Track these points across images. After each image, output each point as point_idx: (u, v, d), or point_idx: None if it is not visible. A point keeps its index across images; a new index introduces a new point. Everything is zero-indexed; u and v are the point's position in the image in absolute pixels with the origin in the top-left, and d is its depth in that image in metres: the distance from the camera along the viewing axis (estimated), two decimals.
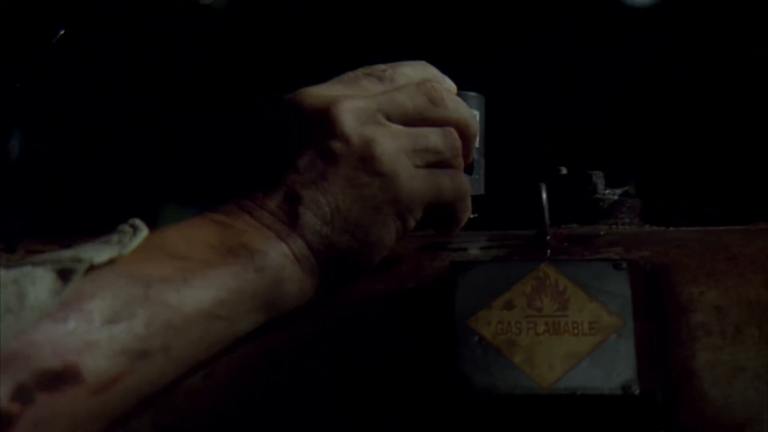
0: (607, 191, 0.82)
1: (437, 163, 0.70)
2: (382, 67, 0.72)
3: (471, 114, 0.73)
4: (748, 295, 0.69)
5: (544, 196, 0.75)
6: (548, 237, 0.75)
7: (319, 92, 0.70)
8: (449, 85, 0.73)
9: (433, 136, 0.70)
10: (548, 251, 0.74)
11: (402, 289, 0.73)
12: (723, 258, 0.72)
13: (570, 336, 0.67)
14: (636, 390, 0.66)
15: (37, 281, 0.61)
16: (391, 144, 0.68)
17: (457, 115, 0.72)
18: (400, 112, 0.70)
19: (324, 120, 0.68)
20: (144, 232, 0.64)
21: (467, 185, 0.71)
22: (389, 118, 0.69)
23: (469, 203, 0.72)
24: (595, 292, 0.69)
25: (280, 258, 0.66)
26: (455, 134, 0.71)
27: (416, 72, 0.73)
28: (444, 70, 0.75)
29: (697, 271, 0.71)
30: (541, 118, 0.94)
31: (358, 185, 0.68)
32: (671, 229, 0.77)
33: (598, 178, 0.82)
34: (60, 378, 0.60)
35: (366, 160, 0.68)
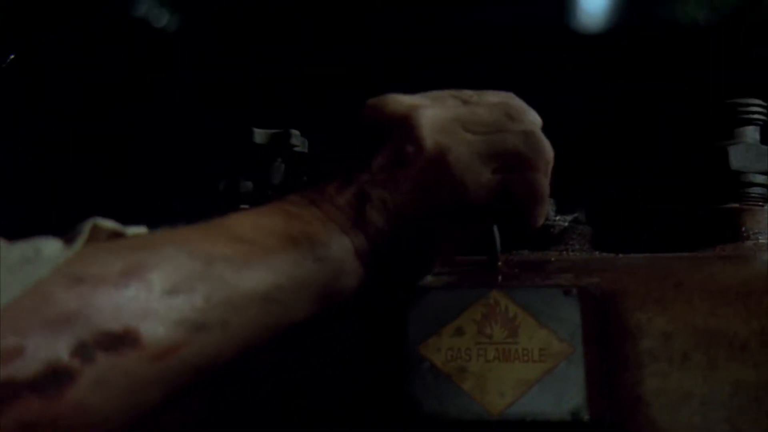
0: (557, 218, 0.83)
1: (517, 165, 0.71)
2: (469, 92, 0.74)
3: (546, 141, 0.73)
4: (695, 322, 0.70)
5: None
6: (499, 263, 0.75)
7: (402, 99, 0.72)
8: (533, 117, 0.74)
9: (511, 139, 0.71)
10: (499, 277, 0.74)
11: (355, 314, 0.73)
12: (671, 284, 0.73)
13: (520, 363, 0.68)
14: (585, 416, 0.66)
15: (49, 242, 0.63)
16: (465, 151, 0.70)
17: (536, 129, 0.72)
18: (478, 123, 0.71)
19: (402, 124, 0.70)
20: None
21: (545, 189, 0.71)
22: (466, 129, 0.71)
23: (543, 208, 0.71)
24: (546, 319, 0.69)
25: (341, 251, 0.68)
26: (539, 136, 0.71)
27: (498, 97, 0.74)
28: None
29: (645, 297, 0.72)
30: None
31: (427, 190, 0.69)
32: (620, 255, 0.78)
33: (549, 204, 0.83)
34: (120, 340, 0.61)
35: (438, 166, 0.69)
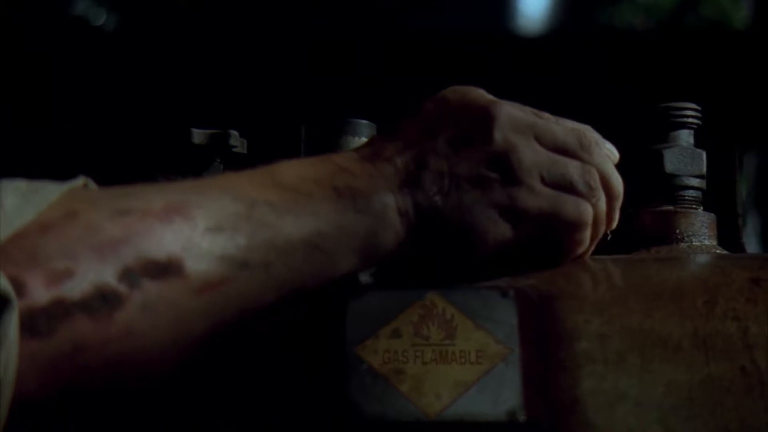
0: None
1: (569, 191, 0.73)
2: (550, 115, 0.76)
3: (617, 176, 0.75)
4: (631, 324, 0.71)
5: None
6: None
7: (485, 93, 0.75)
8: (609, 148, 0.77)
9: (572, 167, 0.73)
10: (437, 279, 0.75)
11: (292, 316, 0.73)
12: (607, 286, 0.73)
13: (457, 365, 0.68)
14: (521, 417, 0.67)
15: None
16: (530, 157, 0.72)
17: (602, 168, 0.74)
18: (550, 139, 0.73)
19: (481, 112, 0.73)
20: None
21: (589, 216, 0.73)
22: (537, 139, 0.73)
23: (585, 238, 0.74)
24: (483, 321, 0.69)
25: (382, 206, 0.70)
26: (596, 175, 0.74)
27: (578, 126, 0.76)
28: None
29: (581, 299, 0.72)
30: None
31: (484, 179, 0.72)
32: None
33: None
34: (164, 270, 0.63)
35: (501, 162, 0.72)
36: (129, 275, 0.63)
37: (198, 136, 0.86)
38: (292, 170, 0.70)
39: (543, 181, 0.73)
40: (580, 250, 0.75)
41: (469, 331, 0.69)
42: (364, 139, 0.82)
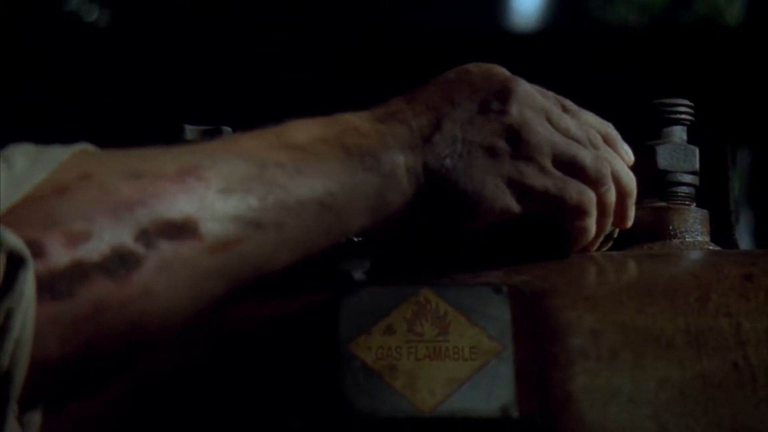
0: None
1: (577, 176, 0.74)
2: (573, 104, 0.77)
3: (628, 173, 0.77)
4: (624, 320, 0.71)
5: None
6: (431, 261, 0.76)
7: (507, 71, 0.76)
8: (625, 150, 0.78)
9: (583, 152, 0.75)
10: (431, 275, 0.75)
11: (285, 312, 0.73)
12: (600, 283, 0.74)
13: (451, 361, 0.68)
14: (514, 413, 0.67)
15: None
16: (543, 135, 0.74)
17: (612, 163, 0.76)
18: (563, 126, 0.75)
19: (500, 85, 0.74)
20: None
21: (592, 204, 0.74)
22: (550, 121, 0.74)
23: (587, 226, 0.75)
24: (476, 317, 0.69)
25: (391, 165, 0.71)
26: (607, 164, 0.75)
27: (596, 121, 0.78)
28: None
29: (575, 295, 0.72)
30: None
31: (496, 149, 0.73)
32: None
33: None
34: (179, 230, 0.64)
35: (515, 135, 0.73)
36: (145, 236, 0.63)
37: (190, 132, 0.86)
38: (301, 130, 0.71)
39: (554, 161, 0.74)
40: (584, 239, 0.76)
41: (463, 328, 0.69)
42: None
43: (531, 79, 0.78)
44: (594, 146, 0.76)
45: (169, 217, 0.64)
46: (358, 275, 0.76)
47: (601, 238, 0.77)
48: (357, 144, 0.71)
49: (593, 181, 0.75)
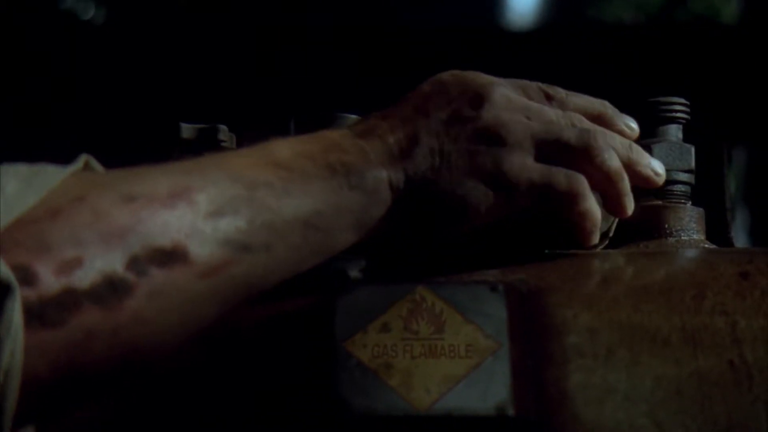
0: None
1: (563, 157, 0.74)
2: (561, 90, 0.78)
3: (627, 145, 0.77)
4: (620, 318, 0.71)
5: None
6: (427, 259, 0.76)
7: (485, 76, 0.76)
8: (626, 123, 0.79)
9: (567, 132, 0.74)
10: (427, 273, 0.75)
11: (281, 311, 0.73)
12: (596, 281, 0.74)
13: (446, 359, 0.68)
14: (510, 411, 0.67)
15: (48, 165, 0.67)
16: (521, 130, 0.74)
17: (599, 135, 0.75)
18: (545, 120, 0.75)
19: (474, 91, 0.75)
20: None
21: (583, 185, 0.74)
22: (529, 118, 0.75)
23: (587, 209, 0.75)
24: (472, 315, 0.69)
25: (375, 182, 0.72)
26: (596, 135, 0.75)
27: (589, 103, 0.78)
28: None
29: (571, 293, 0.72)
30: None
31: (475, 154, 0.73)
32: (547, 251, 0.78)
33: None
34: (170, 256, 0.65)
35: (491, 137, 0.74)
36: (136, 263, 0.64)
37: (187, 130, 0.86)
38: (287, 148, 0.72)
39: (538, 153, 0.74)
40: (589, 223, 0.75)
41: (459, 326, 0.69)
42: None
43: (527, 78, 0.78)
44: (581, 122, 0.76)
45: (160, 244, 0.65)
46: (354, 274, 0.76)
47: (629, 207, 0.76)
48: (341, 161, 0.71)
49: (583, 156, 0.74)
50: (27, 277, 0.61)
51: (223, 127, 0.87)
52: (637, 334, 0.70)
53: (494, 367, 0.68)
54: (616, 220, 0.79)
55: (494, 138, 0.73)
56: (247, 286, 0.68)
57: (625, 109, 0.81)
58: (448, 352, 0.68)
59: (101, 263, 0.63)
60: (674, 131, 0.84)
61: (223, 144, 0.86)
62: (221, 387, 0.71)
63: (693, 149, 0.84)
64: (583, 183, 0.74)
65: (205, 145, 0.86)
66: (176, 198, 0.66)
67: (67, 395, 0.64)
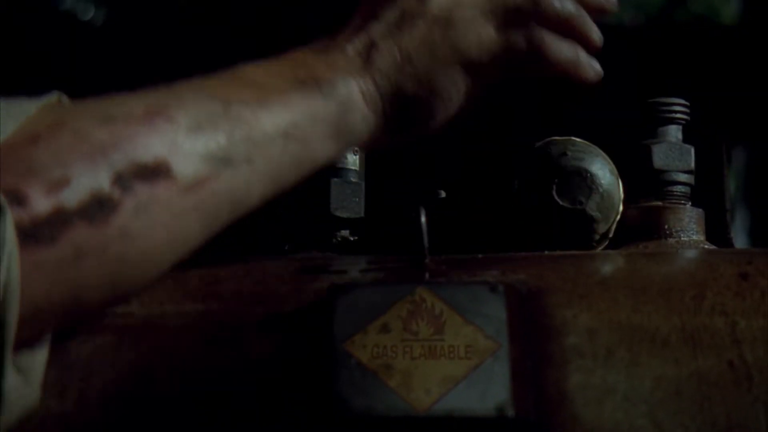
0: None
1: (517, 21, 0.77)
2: None
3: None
4: (619, 318, 0.71)
5: (423, 219, 0.76)
6: (426, 260, 0.76)
7: None
8: None
9: None
10: (426, 274, 0.75)
11: (280, 312, 0.73)
12: (595, 281, 0.74)
13: (446, 360, 0.68)
14: (510, 412, 0.67)
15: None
16: (469, 11, 0.77)
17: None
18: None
19: None
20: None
21: (545, 38, 0.78)
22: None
23: (559, 54, 0.79)
24: (472, 316, 0.69)
25: (346, 90, 0.74)
26: None
27: None
28: None
29: (570, 294, 0.72)
30: (422, 141, 0.96)
31: (432, 42, 0.76)
32: (546, 252, 0.79)
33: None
34: (153, 172, 0.66)
35: (442, 24, 0.76)
36: (121, 180, 0.65)
37: None
38: (256, 68, 0.74)
39: (496, 23, 0.77)
40: (570, 65, 0.79)
41: (458, 326, 0.69)
42: None
43: (523, 78, 0.78)
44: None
45: (143, 160, 0.66)
46: (354, 274, 0.76)
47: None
48: (310, 75, 0.74)
49: (535, 13, 0.77)
50: (17, 199, 0.62)
51: None
52: (637, 334, 0.70)
53: (494, 367, 0.68)
54: (617, 220, 0.80)
55: (445, 24, 0.76)
56: (230, 201, 0.69)
57: (625, 109, 0.81)
58: (447, 352, 0.68)
59: (87, 181, 0.64)
60: (674, 132, 0.84)
61: None
62: (221, 385, 0.71)
63: (692, 150, 0.84)
64: (542, 35, 0.78)
65: None
66: (155, 116, 0.67)
67: (60, 315, 0.65)
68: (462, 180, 0.97)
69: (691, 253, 0.80)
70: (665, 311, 0.71)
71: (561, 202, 0.79)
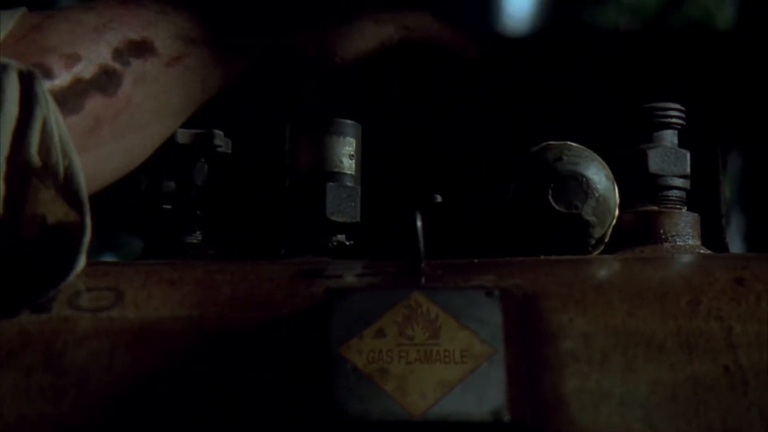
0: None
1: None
2: None
3: None
4: (615, 323, 0.71)
5: (419, 223, 0.76)
6: (422, 265, 0.76)
7: None
8: None
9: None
10: (422, 279, 0.75)
11: (276, 317, 0.73)
12: (591, 286, 0.74)
13: (442, 364, 0.68)
14: (506, 417, 0.67)
15: None
16: None
17: None
18: None
19: None
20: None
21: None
22: None
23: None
24: (467, 320, 0.69)
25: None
26: None
27: None
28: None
29: (566, 298, 0.72)
30: (416, 146, 0.96)
31: None
32: (542, 257, 0.79)
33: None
34: (142, 47, 0.76)
35: None
36: (119, 54, 0.74)
37: (182, 135, 0.86)
38: None
39: None
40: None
41: (454, 331, 0.69)
42: (349, 139, 0.82)
43: (521, 83, 0.78)
44: None
45: (132, 37, 0.75)
46: (350, 279, 0.76)
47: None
48: None
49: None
50: (44, 72, 0.70)
51: (218, 132, 0.87)
52: (632, 339, 0.70)
53: (489, 372, 0.68)
54: (612, 225, 0.80)
55: None
56: (201, 78, 0.79)
57: (620, 114, 0.81)
58: (443, 357, 0.68)
59: (95, 56, 0.73)
60: (669, 137, 0.84)
61: (219, 149, 0.86)
62: (216, 389, 0.71)
63: (688, 155, 0.84)
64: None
65: (201, 150, 0.86)
66: (127, 1, 0.76)
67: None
68: (458, 184, 0.97)
69: (686, 258, 0.80)
70: (661, 316, 0.71)
71: (557, 207, 0.79)
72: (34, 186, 0.67)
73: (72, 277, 0.68)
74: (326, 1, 0.86)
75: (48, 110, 0.67)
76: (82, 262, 0.68)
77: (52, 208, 0.67)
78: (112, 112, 0.74)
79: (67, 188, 0.67)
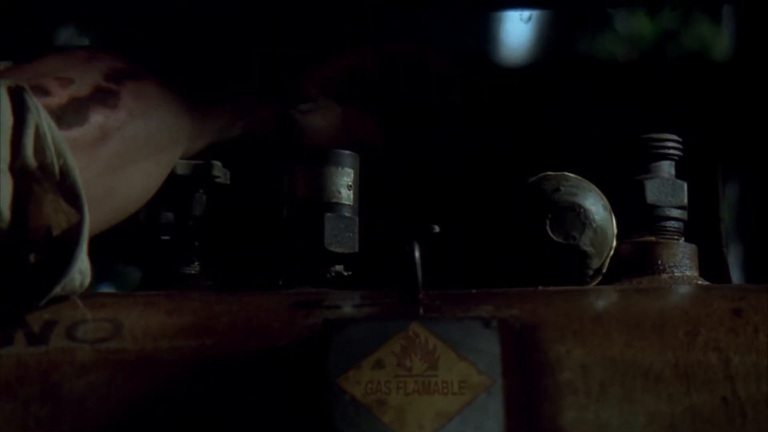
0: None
1: None
2: None
3: None
4: (613, 354, 0.71)
5: (416, 254, 0.76)
6: (420, 295, 0.76)
7: None
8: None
9: None
10: (420, 310, 0.75)
11: (274, 347, 0.73)
12: (589, 317, 0.74)
13: (440, 395, 0.68)
14: None
15: None
16: None
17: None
18: None
19: None
20: None
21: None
22: None
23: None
24: (465, 351, 0.69)
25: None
26: None
27: None
28: None
29: (564, 329, 0.72)
30: (414, 175, 0.96)
31: None
32: (540, 287, 0.79)
33: None
34: (133, 72, 0.79)
35: None
36: (112, 77, 0.78)
37: (181, 166, 0.86)
38: None
39: None
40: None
41: (452, 362, 0.69)
42: (347, 170, 0.82)
43: (518, 114, 0.78)
44: None
45: (120, 66, 0.79)
46: (348, 310, 0.76)
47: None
48: None
49: None
50: (41, 90, 0.73)
51: (217, 164, 0.87)
52: (630, 370, 0.70)
53: (488, 403, 0.68)
54: (610, 255, 0.80)
55: None
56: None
57: (617, 145, 0.81)
58: (441, 388, 0.68)
59: (87, 79, 0.76)
60: (667, 167, 0.85)
61: (217, 180, 0.87)
62: (214, 422, 0.71)
63: (685, 185, 0.84)
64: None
65: (200, 181, 0.86)
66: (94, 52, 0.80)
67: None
68: (457, 214, 0.97)
69: (684, 289, 0.80)
70: (659, 347, 0.71)
71: (554, 237, 0.79)
72: (35, 189, 0.68)
73: (73, 271, 0.69)
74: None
75: (39, 117, 0.69)
76: (82, 254, 0.69)
77: (53, 207, 0.68)
78: (116, 123, 0.76)
79: (63, 184, 0.68)
